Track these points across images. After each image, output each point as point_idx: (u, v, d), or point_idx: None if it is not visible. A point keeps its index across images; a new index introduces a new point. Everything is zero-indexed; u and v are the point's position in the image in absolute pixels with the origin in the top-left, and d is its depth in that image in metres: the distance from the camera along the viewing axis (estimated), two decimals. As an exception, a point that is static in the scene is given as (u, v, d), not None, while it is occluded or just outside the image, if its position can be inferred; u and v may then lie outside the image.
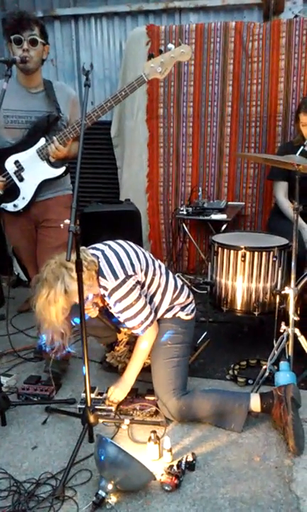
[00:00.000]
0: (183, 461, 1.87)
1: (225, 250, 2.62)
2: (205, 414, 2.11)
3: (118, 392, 2.19)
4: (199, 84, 3.66)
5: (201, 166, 3.81)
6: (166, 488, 1.77)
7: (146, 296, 2.14)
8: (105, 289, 2.03)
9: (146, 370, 2.39)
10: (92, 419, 1.96)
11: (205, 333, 2.80)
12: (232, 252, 2.59)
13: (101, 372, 2.60)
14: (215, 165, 3.79)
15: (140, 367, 2.21)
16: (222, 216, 3.30)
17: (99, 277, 2.03)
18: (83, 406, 2.06)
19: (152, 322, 2.12)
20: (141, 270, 2.10)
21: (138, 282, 2.07)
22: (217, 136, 3.72)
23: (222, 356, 2.70)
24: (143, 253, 2.19)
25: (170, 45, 2.22)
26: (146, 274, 2.13)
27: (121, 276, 2.01)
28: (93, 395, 2.21)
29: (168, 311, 2.22)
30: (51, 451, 2.02)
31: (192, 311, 2.30)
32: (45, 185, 2.40)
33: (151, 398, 2.22)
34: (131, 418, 2.14)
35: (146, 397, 2.24)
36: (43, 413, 2.26)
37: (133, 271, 2.06)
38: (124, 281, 2.01)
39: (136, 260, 2.10)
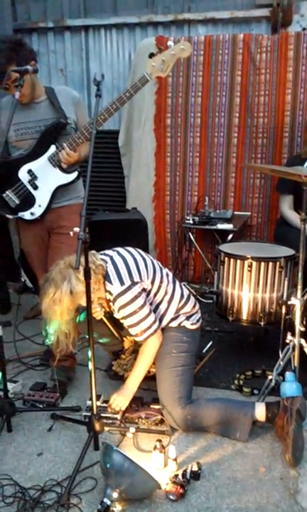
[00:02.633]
0: (188, 471, 1.87)
1: (232, 260, 2.63)
2: (210, 423, 2.11)
3: (121, 399, 2.20)
4: (207, 95, 3.70)
5: (208, 175, 3.84)
6: (171, 497, 1.77)
7: (151, 304, 2.15)
8: (110, 293, 2.05)
9: (151, 378, 2.39)
10: (97, 427, 1.97)
11: (211, 343, 2.80)
12: (238, 261, 2.60)
13: (107, 380, 2.60)
14: (222, 175, 3.81)
15: (143, 375, 2.22)
16: (229, 226, 3.32)
17: (106, 282, 2.05)
18: (89, 413, 2.06)
19: (155, 331, 2.13)
20: (148, 278, 2.12)
21: (143, 290, 2.09)
22: (224, 147, 3.75)
23: (227, 366, 2.71)
24: (152, 261, 2.21)
25: (170, 43, 2.25)
26: (152, 282, 2.14)
27: (127, 282, 2.03)
28: (98, 403, 2.21)
29: (173, 319, 2.23)
30: (56, 458, 2.03)
31: (198, 320, 2.30)
32: (59, 191, 2.43)
33: (157, 407, 2.22)
34: (136, 426, 2.14)
35: (152, 406, 2.24)
36: (49, 420, 2.27)
37: (140, 278, 2.07)
38: (129, 288, 2.03)
39: (144, 268, 2.12)
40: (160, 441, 1.94)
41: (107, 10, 4.12)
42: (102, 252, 2.18)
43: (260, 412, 2.08)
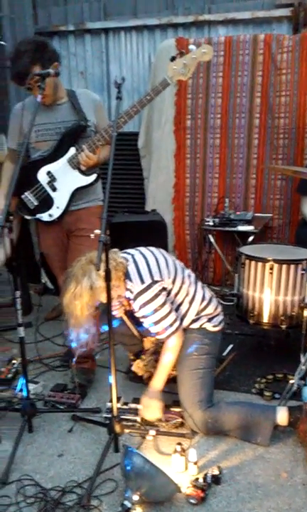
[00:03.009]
0: (209, 475, 1.86)
1: (253, 262, 2.61)
2: (231, 427, 2.09)
3: (152, 408, 2.15)
4: (227, 96, 3.68)
5: (228, 177, 3.82)
6: (192, 501, 1.76)
7: (172, 303, 2.14)
8: (131, 292, 2.05)
9: (172, 380, 2.38)
10: (118, 429, 1.97)
11: (231, 346, 2.78)
12: (259, 264, 2.58)
13: (127, 382, 2.60)
14: (242, 176, 3.79)
15: (167, 373, 2.18)
16: (249, 227, 3.29)
17: (126, 280, 2.05)
18: (109, 415, 2.07)
19: (177, 329, 2.11)
20: (169, 277, 2.11)
21: (164, 289, 2.08)
22: (244, 148, 3.73)
23: (248, 369, 2.68)
24: (173, 261, 2.21)
25: (191, 46, 2.25)
26: (173, 282, 2.13)
27: (148, 281, 2.03)
28: (118, 405, 2.21)
29: (194, 321, 2.21)
30: (77, 459, 2.03)
31: (220, 323, 2.28)
32: (77, 193, 2.44)
33: (177, 410, 2.21)
34: (156, 429, 2.14)
35: (172, 409, 2.23)
36: (69, 421, 2.28)
37: (160, 277, 2.07)
38: (149, 286, 2.03)
39: (165, 267, 2.11)
40: (180, 444, 1.94)
41: (127, 12, 4.14)
42: (124, 250, 2.19)
43: (282, 416, 2.06)
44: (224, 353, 2.74)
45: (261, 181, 3.76)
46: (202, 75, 3.70)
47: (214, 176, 3.85)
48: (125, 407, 2.24)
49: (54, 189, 2.42)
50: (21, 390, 2.26)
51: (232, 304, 2.81)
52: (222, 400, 2.30)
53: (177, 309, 2.17)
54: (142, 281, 2.03)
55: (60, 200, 2.44)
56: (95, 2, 4.21)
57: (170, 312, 2.08)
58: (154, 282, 2.04)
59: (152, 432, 2.11)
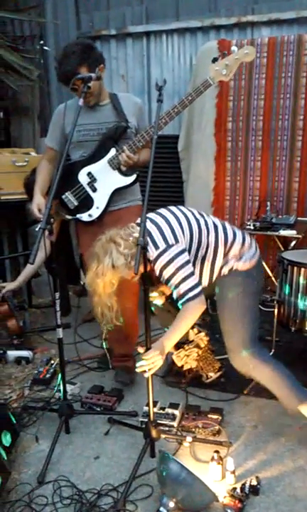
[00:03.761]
0: (247, 485, 1.81)
1: (295, 268, 2.54)
2: (264, 382, 2.14)
3: (156, 355, 1.94)
4: (270, 98, 3.61)
5: (270, 180, 3.74)
6: (229, 511, 1.72)
7: (197, 258, 2.09)
8: (150, 261, 2.00)
9: (208, 386, 2.35)
10: (154, 434, 1.96)
11: (272, 353, 2.71)
12: (302, 270, 2.50)
13: (164, 386, 2.58)
14: (285, 179, 3.70)
15: (179, 336, 2.05)
16: (292, 232, 3.20)
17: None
18: (145, 419, 2.05)
19: (198, 294, 1.99)
20: (184, 236, 2.04)
21: (182, 251, 1.99)
22: (287, 150, 3.64)
23: (288, 377, 2.60)
24: (186, 216, 2.11)
25: (233, 48, 2.23)
26: (191, 239, 2.06)
27: (162, 246, 1.97)
28: (155, 409, 2.20)
29: (223, 266, 2.14)
30: (113, 462, 2.03)
31: (252, 256, 2.15)
32: (117, 194, 2.46)
33: (214, 417, 2.18)
34: (193, 436, 2.11)
35: (209, 415, 2.20)
36: (105, 423, 2.28)
37: (175, 239, 2.00)
38: (165, 250, 1.96)
39: (179, 229, 2.04)
40: (217, 452, 1.90)
41: (169, 15, 4.13)
42: (137, 222, 2.13)
43: None
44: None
45: (304, 184, 3.66)
46: (245, 76, 3.65)
47: (255, 179, 3.78)
48: (162, 411, 2.23)
49: (94, 190, 2.44)
50: (59, 391, 2.28)
51: (272, 310, 2.74)
52: (270, 356, 2.24)
53: (203, 261, 2.12)
54: (156, 247, 1.96)
55: (100, 201, 2.45)
56: (137, 6, 4.22)
57: (189, 275, 1.98)
58: (169, 246, 1.97)
59: (189, 439, 2.08)
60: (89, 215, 2.48)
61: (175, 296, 2.07)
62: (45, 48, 4.19)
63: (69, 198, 2.48)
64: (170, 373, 2.66)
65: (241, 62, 2.25)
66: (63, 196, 2.49)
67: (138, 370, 1.93)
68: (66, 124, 2.41)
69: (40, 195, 2.54)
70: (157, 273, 2.05)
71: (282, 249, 3.29)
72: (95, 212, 2.47)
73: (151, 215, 2.14)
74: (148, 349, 1.91)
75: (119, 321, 2.07)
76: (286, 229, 3.25)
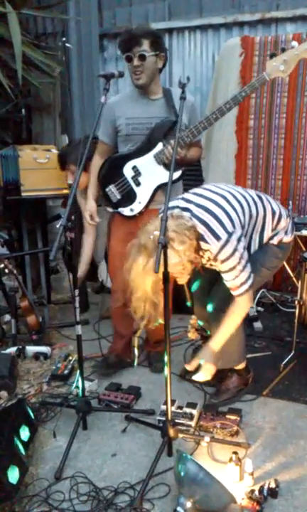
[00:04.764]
0: (265, 487, 1.79)
1: (317, 268, 2.49)
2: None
3: (207, 364, 2.04)
4: (293, 96, 3.55)
5: (292, 179, 3.68)
6: (247, 513, 1.70)
7: (247, 232, 2.09)
8: (211, 252, 1.95)
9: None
10: (172, 433, 1.95)
11: (292, 354, 2.67)
12: (324, 270, 2.46)
13: (181, 384, 2.57)
14: (307, 178, 3.65)
15: (228, 335, 2.06)
16: (314, 232, 3.15)
17: (201, 242, 1.93)
18: (163, 418, 2.04)
19: (249, 288, 2.00)
20: (240, 221, 1.99)
21: (240, 237, 1.95)
22: (311, 149, 3.59)
23: (308, 379, 2.57)
24: (235, 197, 2.05)
25: (294, 43, 2.16)
26: (244, 216, 2.03)
27: (224, 235, 1.90)
28: (173, 408, 2.19)
29: (271, 238, 2.18)
30: (130, 460, 2.02)
31: (293, 229, 2.28)
32: (161, 190, 2.42)
33: (233, 417, 2.16)
34: (211, 436, 2.09)
35: (227, 416, 2.18)
36: (123, 421, 2.27)
37: (232, 225, 1.94)
38: (227, 241, 1.90)
39: (233, 212, 1.97)
40: (236, 453, 1.88)
41: (193, 12, 4.10)
42: (181, 206, 2.02)
43: None
44: (284, 362, 2.63)
45: (327, 183, 3.60)
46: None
47: (277, 178, 3.73)
48: (179, 411, 2.21)
49: (138, 184, 2.42)
50: (77, 387, 2.28)
51: (293, 310, 2.70)
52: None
53: (253, 233, 2.14)
54: (218, 238, 1.90)
55: (143, 195, 2.43)
56: (160, 2, 4.20)
57: (244, 268, 1.96)
58: (230, 235, 1.91)
59: (206, 439, 2.06)
60: (131, 210, 2.46)
61: (228, 285, 2.02)
62: (67, 44, 4.19)
63: (113, 190, 2.46)
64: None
65: (301, 58, 2.17)
66: (107, 189, 2.48)
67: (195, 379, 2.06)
68: (117, 117, 2.41)
69: (92, 201, 2.52)
70: (216, 264, 1.99)
71: (304, 249, 3.24)
72: (137, 206, 2.45)
73: (197, 199, 2.03)
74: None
75: (159, 320, 1.96)
76: (308, 229, 3.20)
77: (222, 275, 2.02)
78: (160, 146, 2.35)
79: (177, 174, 2.38)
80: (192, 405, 2.27)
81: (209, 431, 2.13)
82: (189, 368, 2.12)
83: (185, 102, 2.40)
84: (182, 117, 2.38)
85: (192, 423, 2.15)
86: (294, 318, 2.67)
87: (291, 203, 3.54)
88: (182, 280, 2.07)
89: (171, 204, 2.02)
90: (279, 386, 2.48)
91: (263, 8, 3.82)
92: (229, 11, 3.94)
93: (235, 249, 1.92)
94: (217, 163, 3.89)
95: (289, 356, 2.66)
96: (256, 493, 1.76)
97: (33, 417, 2.19)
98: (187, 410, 2.22)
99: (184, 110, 2.39)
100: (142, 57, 2.29)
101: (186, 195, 2.09)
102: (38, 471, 1.97)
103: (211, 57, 4.08)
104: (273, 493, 1.79)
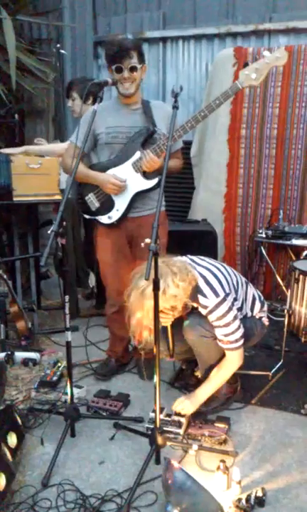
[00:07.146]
0: (253, 496, 1.79)
1: None
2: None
3: (188, 404, 2.19)
4: (285, 106, 3.60)
5: (283, 188, 3.72)
6: (234, 522, 1.70)
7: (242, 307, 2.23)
8: (205, 307, 2.06)
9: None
10: (160, 441, 1.94)
11: (281, 363, 2.68)
12: (314, 279, 2.48)
13: (170, 392, 2.56)
14: (298, 188, 3.68)
15: (216, 388, 2.22)
16: (304, 241, 3.19)
17: (199, 295, 2.05)
18: (151, 426, 2.04)
19: (240, 346, 2.14)
20: (234, 286, 2.17)
21: (235, 299, 2.12)
22: (301, 159, 3.63)
23: (297, 389, 2.56)
24: (227, 268, 2.26)
25: (265, 52, 2.23)
26: (236, 290, 2.20)
27: (222, 294, 2.05)
28: (162, 416, 2.18)
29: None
30: (117, 468, 2.01)
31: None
32: (139, 198, 2.44)
33: (221, 426, 2.16)
34: (199, 444, 2.09)
35: (216, 424, 2.18)
36: (111, 428, 2.26)
37: (229, 288, 2.10)
38: (224, 299, 2.05)
39: (229, 277, 2.17)
40: (223, 461, 1.88)
41: (186, 21, 4.14)
42: (177, 258, 2.16)
43: None
44: (273, 370, 2.65)
45: (317, 194, 3.64)
46: (260, 84, 3.64)
47: (268, 187, 3.77)
48: (168, 418, 2.21)
49: None
50: (66, 394, 2.27)
51: (282, 319, 2.71)
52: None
53: (241, 308, 2.24)
54: (217, 295, 2.04)
55: (120, 203, 2.45)
56: (155, 11, 4.24)
57: (238, 328, 2.10)
58: (227, 295, 2.06)
59: (195, 447, 2.06)
60: (109, 217, 2.48)
61: (219, 339, 2.13)
62: (62, 51, 4.21)
63: (92, 199, 2.49)
64: (177, 379, 2.65)
65: (272, 67, 2.24)
66: (86, 197, 2.51)
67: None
68: (97, 125, 2.42)
69: (100, 173, 2.43)
70: (210, 319, 2.09)
71: (294, 258, 3.27)
72: (115, 214, 2.47)
73: (199, 261, 2.20)
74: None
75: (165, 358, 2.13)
76: (299, 238, 3.24)
77: (216, 330, 2.12)
78: (138, 154, 2.38)
79: (153, 182, 2.40)
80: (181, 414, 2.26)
81: (198, 439, 2.13)
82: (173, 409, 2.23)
83: (164, 113, 2.44)
84: (161, 127, 2.42)
85: (181, 431, 2.15)
86: (283, 327, 2.68)
87: (281, 212, 3.58)
88: (166, 322, 2.15)
89: (175, 258, 2.13)
90: (268, 395, 2.49)
91: (256, 20, 3.88)
92: (223, 22, 3.99)
93: (230, 309, 2.07)
94: (209, 172, 3.92)
95: (278, 365, 2.67)
96: (244, 501, 1.76)
97: (20, 423, 2.17)
98: (176, 418, 2.22)
99: (163, 120, 2.43)
100: (133, 69, 2.33)
101: (189, 257, 2.23)
102: (24, 478, 1.95)
103: (204, 66, 4.14)
104: (260, 501, 1.79)
